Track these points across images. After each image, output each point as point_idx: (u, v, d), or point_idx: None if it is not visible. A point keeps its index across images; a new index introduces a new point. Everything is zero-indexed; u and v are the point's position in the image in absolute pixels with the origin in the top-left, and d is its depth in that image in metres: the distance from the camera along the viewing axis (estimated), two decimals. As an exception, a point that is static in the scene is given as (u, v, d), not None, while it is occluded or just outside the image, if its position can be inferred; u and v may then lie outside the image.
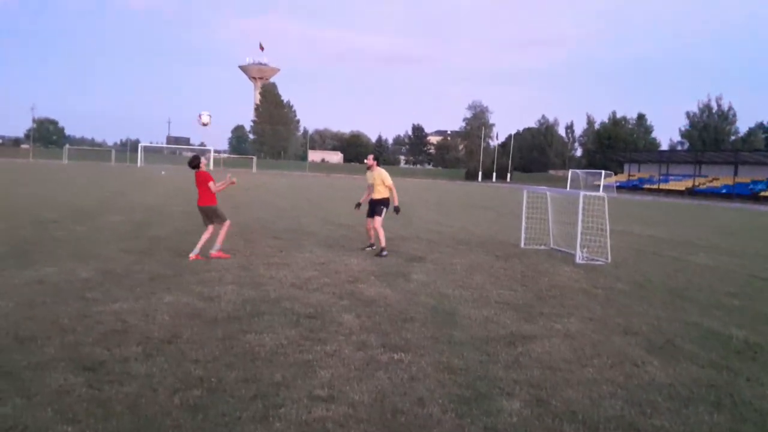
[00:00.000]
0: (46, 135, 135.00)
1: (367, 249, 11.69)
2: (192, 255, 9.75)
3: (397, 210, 11.57)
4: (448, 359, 5.47)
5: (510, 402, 4.57)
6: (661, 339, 6.58)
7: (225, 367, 4.97)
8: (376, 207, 11.48)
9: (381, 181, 11.41)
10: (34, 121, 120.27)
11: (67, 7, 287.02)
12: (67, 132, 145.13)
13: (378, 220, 11.37)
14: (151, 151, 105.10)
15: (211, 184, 9.99)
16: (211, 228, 10.20)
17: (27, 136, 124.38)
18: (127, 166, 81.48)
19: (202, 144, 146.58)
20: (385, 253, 11.19)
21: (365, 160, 11.82)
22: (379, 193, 11.47)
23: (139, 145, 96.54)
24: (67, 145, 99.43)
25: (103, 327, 5.92)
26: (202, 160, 10.27)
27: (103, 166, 72.71)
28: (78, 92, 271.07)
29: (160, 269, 8.97)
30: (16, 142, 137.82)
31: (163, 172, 56.32)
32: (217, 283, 8.18)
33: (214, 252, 9.96)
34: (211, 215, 10.17)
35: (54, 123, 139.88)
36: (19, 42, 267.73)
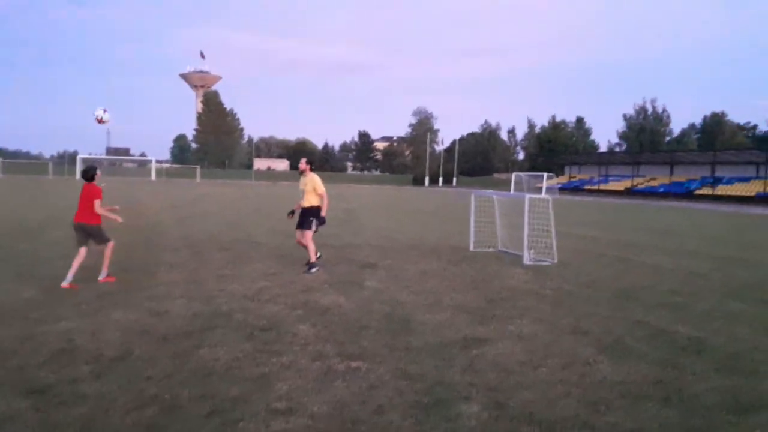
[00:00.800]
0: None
1: (312, 270, 10.32)
2: (65, 283, 8.48)
3: (322, 221, 10.54)
4: (406, 366, 5.49)
5: (468, 406, 4.62)
6: (611, 338, 6.76)
7: (179, 384, 4.87)
8: (305, 218, 10.44)
9: (313, 187, 10.39)
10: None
11: (1, 21, 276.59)
12: (1, 145, 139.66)
13: (308, 234, 10.36)
14: (90, 163, 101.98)
15: (97, 202, 8.69)
16: (84, 251, 8.81)
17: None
18: (65, 179, 78.85)
19: (143, 154, 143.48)
20: (313, 270, 10.25)
21: (299, 165, 10.77)
22: (309, 201, 10.43)
23: (78, 156, 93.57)
24: (1, 159, 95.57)
25: (49, 348, 5.72)
26: (98, 173, 9.02)
27: (40, 180, 70.17)
28: (11, 104, 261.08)
29: (105, 285, 8.73)
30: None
31: (103, 184, 54.74)
32: (166, 298, 8.01)
33: (102, 278, 8.92)
34: (89, 235, 8.85)
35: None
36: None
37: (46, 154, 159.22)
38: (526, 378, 5.34)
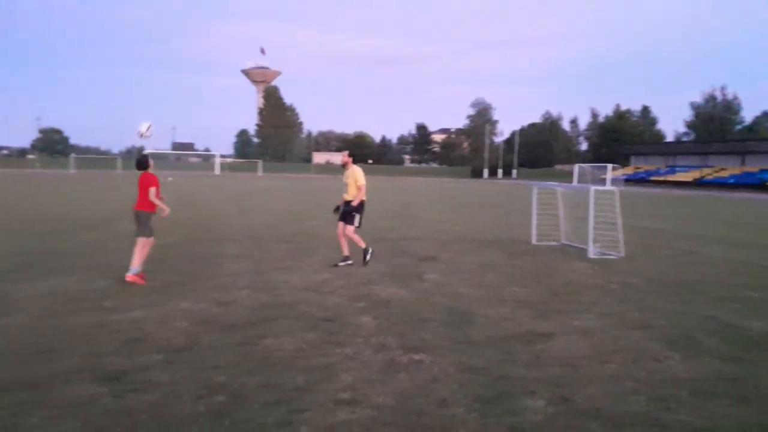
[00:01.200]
0: (52, 145, 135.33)
1: (341, 264, 10.22)
2: (128, 275, 8.46)
3: (348, 207, 10.21)
4: (468, 359, 5.46)
5: (533, 400, 4.56)
6: (680, 333, 6.56)
7: (246, 373, 4.98)
8: (348, 212, 10.22)
9: (354, 180, 10.18)
10: (39, 131, 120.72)
11: (71, 18, 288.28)
12: (72, 141, 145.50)
13: (350, 229, 10.17)
14: (157, 158, 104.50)
15: (152, 190, 8.62)
16: (141, 239, 8.71)
17: (33, 146, 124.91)
18: (134, 173, 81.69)
19: (207, 149, 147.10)
20: (344, 263, 10.08)
21: (341, 158, 10.56)
22: (352, 194, 10.22)
23: (145, 151, 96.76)
24: (73, 154, 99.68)
25: (122, 336, 5.94)
26: (150, 161, 9.02)
27: (110, 174, 72.96)
28: (82, 102, 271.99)
29: (173, 276, 9.00)
30: (22, 152, 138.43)
31: (169, 179, 56.44)
32: (232, 288, 8.20)
33: (129, 275, 8.48)
34: (140, 224, 8.72)
35: (59, 132, 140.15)
36: (24, 54, 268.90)
37: (115, 150, 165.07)
38: (592, 373, 5.23)
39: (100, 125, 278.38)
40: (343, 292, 8.17)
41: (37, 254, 10.71)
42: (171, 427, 3.98)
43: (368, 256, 10.30)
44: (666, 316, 7.30)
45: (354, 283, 8.79)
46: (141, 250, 8.60)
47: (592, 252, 11.82)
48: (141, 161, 9.03)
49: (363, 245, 10.27)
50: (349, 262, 10.20)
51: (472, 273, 9.85)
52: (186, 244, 12.44)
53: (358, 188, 10.17)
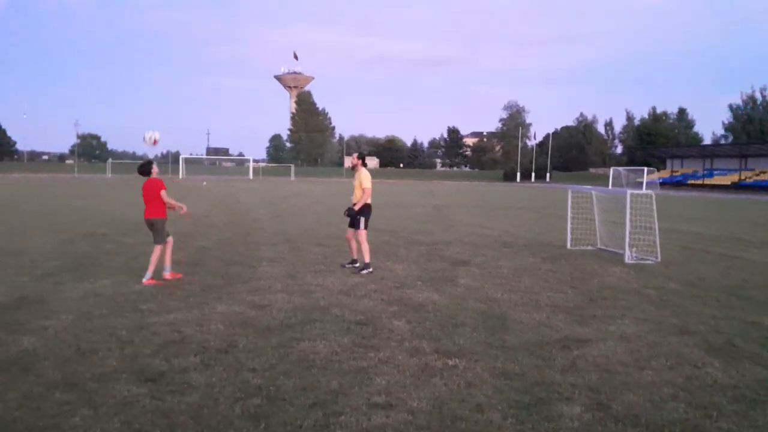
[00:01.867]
0: (90, 150, 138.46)
1: (348, 266, 10.30)
2: (145, 280, 8.66)
3: (351, 211, 10.13)
4: (503, 364, 5.42)
5: (570, 407, 4.51)
6: (720, 339, 6.42)
7: (282, 376, 5.02)
8: (353, 217, 10.11)
9: (360, 183, 10.04)
10: (78, 136, 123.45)
11: (107, 25, 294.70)
12: (110, 146, 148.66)
13: (362, 234, 10.04)
14: (191, 163, 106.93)
15: (163, 192, 8.72)
16: (170, 240, 9.01)
17: (71, 151, 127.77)
18: (169, 177, 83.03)
19: (240, 154, 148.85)
20: (367, 270, 9.91)
21: (350, 160, 10.28)
22: (357, 197, 10.07)
23: (180, 156, 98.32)
24: (110, 160, 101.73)
25: (160, 338, 6.04)
26: (154, 167, 8.95)
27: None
28: (119, 107, 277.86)
29: (210, 279, 9.12)
30: (61, 157, 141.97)
31: (204, 183, 57.27)
32: (267, 292, 8.28)
33: (167, 274, 8.89)
34: (155, 231, 8.87)
35: (97, 138, 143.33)
36: (60, 61, 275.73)
37: (151, 155, 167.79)
38: (630, 379, 5.15)
39: (136, 130, 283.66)
40: (376, 296, 8.18)
41: (77, 257, 10.96)
42: (208, 429, 4.03)
43: (365, 271, 9.90)
44: (705, 321, 7.15)
45: (387, 287, 8.80)
46: (166, 252, 8.90)
47: (629, 257, 11.63)
48: (145, 168, 8.95)
49: (367, 260, 10.05)
50: (370, 269, 10.00)
51: (507, 277, 9.78)
52: (222, 247, 12.60)
53: (363, 191, 10.01)
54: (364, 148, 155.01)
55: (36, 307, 7.19)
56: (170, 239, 9.02)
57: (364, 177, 10.05)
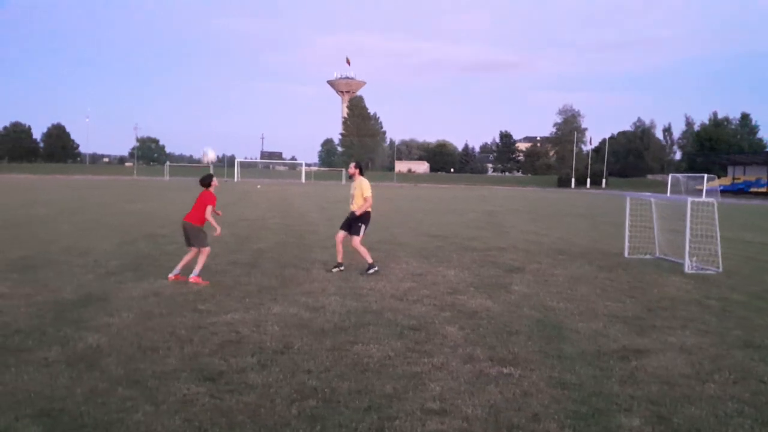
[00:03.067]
0: (148, 153, 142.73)
1: (334, 270, 10.27)
2: (171, 275, 9.12)
3: (355, 220, 10.26)
4: (560, 374, 5.34)
5: (629, 419, 4.41)
6: (789, 354, 6.17)
7: (337, 378, 5.06)
8: (354, 222, 10.22)
9: (360, 192, 10.19)
10: (137, 140, 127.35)
11: (165, 30, 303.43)
12: (168, 150, 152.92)
13: (356, 240, 10.12)
14: (246, 166, 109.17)
15: (209, 208, 9.06)
16: (193, 250, 9.24)
17: (131, 154, 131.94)
18: (225, 180, 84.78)
19: (293, 158, 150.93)
20: (373, 269, 10.06)
21: (348, 169, 10.53)
22: (358, 205, 10.20)
23: (236, 160, 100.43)
24: (168, 162, 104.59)
25: (218, 338, 6.18)
26: (214, 181, 9.52)
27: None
28: (177, 111, 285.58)
29: (266, 281, 9.27)
30: (121, 160, 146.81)
31: (259, 186, 58.30)
32: (321, 294, 8.37)
33: (192, 276, 9.00)
34: (192, 236, 9.17)
35: (155, 141, 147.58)
36: (123, 66, 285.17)
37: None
38: (691, 392, 5.00)
39: (193, 134, 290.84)
40: (428, 301, 8.17)
41: (138, 257, 11.31)
42: (266, 429, 4.09)
43: (371, 271, 10.04)
44: (772, 335, 6.88)
45: (440, 293, 8.77)
46: (201, 257, 9.08)
47: (689, 266, 11.29)
48: (206, 180, 9.46)
49: (370, 260, 10.17)
50: (375, 268, 10.15)
51: (562, 285, 9.62)
52: (277, 250, 12.80)
53: (365, 200, 10.15)
54: (414, 152, 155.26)
55: (100, 305, 7.45)
56: (208, 249, 9.21)
57: (364, 186, 10.25)
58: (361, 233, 10.22)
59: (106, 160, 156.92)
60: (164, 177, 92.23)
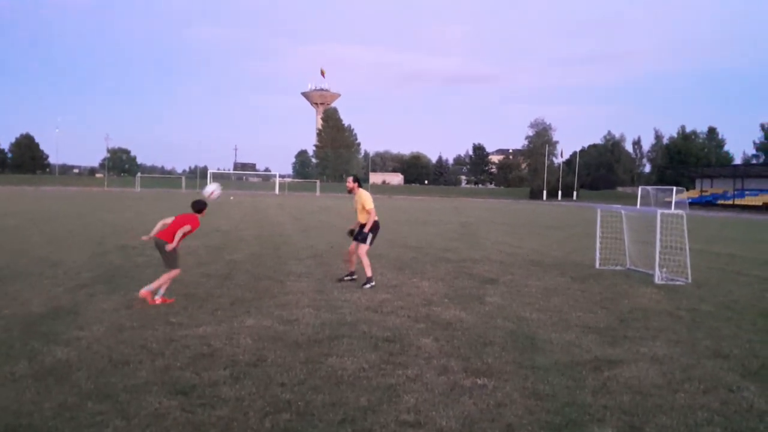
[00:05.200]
0: (119, 164, 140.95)
1: (346, 279, 10.48)
2: (149, 295, 8.20)
3: (351, 233, 10.45)
4: (534, 385, 5.37)
5: (602, 429, 4.45)
6: (756, 363, 6.29)
7: (311, 391, 5.03)
8: (360, 233, 10.26)
9: (362, 205, 10.26)
10: (108, 150, 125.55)
11: (137, 40, 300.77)
12: (139, 161, 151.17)
13: (363, 248, 10.13)
14: (219, 178, 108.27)
15: (181, 229, 8.27)
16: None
17: (102, 165, 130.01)
18: (197, 192, 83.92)
19: (267, 169, 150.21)
20: (370, 284, 9.99)
21: (347, 184, 10.55)
22: (363, 219, 10.27)
23: (208, 171, 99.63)
24: (139, 174, 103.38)
25: (190, 351, 6.10)
26: (204, 212, 8.87)
27: (174, 193, 75.23)
28: (148, 122, 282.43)
29: (239, 293, 9.19)
30: (92, 171, 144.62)
31: (232, 198, 57.87)
32: (295, 307, 8.32)
33: (157, 297, 8.31)
34: (163, 253, 8.43)
35: (126, 152, 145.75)
36: (94, 76, 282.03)
37: (179, 169, 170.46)
38: (663, 402, 5.06)
39: (165, 145, 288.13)
40: (403, 313, 8.17)
41: (110, 269, 11.13)
42: (239, 442, 4.05)
43: (368, 286, 9.95)
44: (740, 345, 7.01)
45: (414, 304, 8.78)
46: (165, 276, 8.39)
47: (659, 277, 11.47)
48: (198, 204, 8.81)
49: (369, 273, 10.14)
50: (372, 283, 10.11)
51: (536, 296, 9.70)
52: (250, 261, 12.70)
53: (368, 212, 10.18)
54: (389, 164, 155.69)
55: (70, 318, 7.32)
56: (176, 272, 8.56)
57: (365, 198, 10.27)
58: (368, 242, 10.21)
59: (76, 171, 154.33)
60: (135, 188, 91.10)
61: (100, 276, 10.35)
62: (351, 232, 10.54)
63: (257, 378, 5.32)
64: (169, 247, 8.26)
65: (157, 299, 8.30)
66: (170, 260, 8.43)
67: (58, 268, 11.05)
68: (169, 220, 8.57)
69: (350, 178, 10.57)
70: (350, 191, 10.53)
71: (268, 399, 4.83)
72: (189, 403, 4.69)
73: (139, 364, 5.64)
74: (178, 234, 8.29)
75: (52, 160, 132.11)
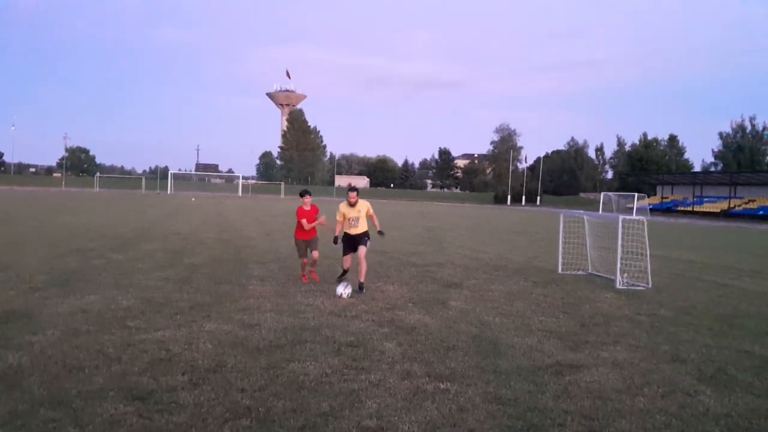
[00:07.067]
0: (78, 163, 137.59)
1: (341, 278, 10.69)
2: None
3: (381, 233, 10.79)
4: (496, 389, 5.37)
5: (563, 434, 4.46)
6: (713, 367, 6.41)
7: (272, 397, 4.94)
8: (362, 238, 10.43)
9: (366, 212, 10.55)
10: (66, 149, 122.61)
11: (97, 39, 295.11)
12: (98, 160, 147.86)
13: (362, 250, 10.30)
14: (180, 178, 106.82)
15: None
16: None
17: (59, 164, 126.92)
18: (157, 193, 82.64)
19: (230, 170, 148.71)
20: (361, 291, 9.99)
21: (350, 198, 10.58)
22: (364, 227, 10.53)
23: (169, 172, 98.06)
24: (98, 174, 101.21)
25: (148, 356, 5.95)
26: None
27: (134, 194, 73.88)
28: (108, 121, 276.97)
29: (199, 297, 9.02)
30: (49, 170, 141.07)
31: (193, 199, 57.10)
32: (256, 311, 8.20)
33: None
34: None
35: (85, 152, 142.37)
36: (52, 73, 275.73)
37: (139, 169, 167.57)
38: (622, 406, 5.12)
39: (125, 144, 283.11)
40: (367, 317, 8.12)
41: (65, 272, 10.82)
42: (197, 450, 3.95)
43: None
44: (698, 349, 7.14)
45: (378, 309, 8.74)
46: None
47: (620, 282, 11.64)
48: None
49: (362, 279, 10.19)
50: (362, 291, 10.08)
51: (499, 301, 9.74)
52: (211, 265, 12.50)
53: (372, 217, 10.59)
54: (355, 167, 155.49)
55: (22, 322, 7.08)
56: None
57: (368, 205, 10.62)
58: (368, 245, 10.49)
59: (32, 170, 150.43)
60: (94, 188, 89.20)
61: (54, 279, 10.05)
62: (335, 240, 10.60)
63: (217, 383, 5.21)
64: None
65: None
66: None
67: (10, 270, 10.70)
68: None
69: (353, 193, 10.64)
70: (353, 204, 10.52)
71: (227, 405, 4.73)
72: (146, 409, 4.57)
73: (95, 369, 5.48)
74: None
75: (7, 158, 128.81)
